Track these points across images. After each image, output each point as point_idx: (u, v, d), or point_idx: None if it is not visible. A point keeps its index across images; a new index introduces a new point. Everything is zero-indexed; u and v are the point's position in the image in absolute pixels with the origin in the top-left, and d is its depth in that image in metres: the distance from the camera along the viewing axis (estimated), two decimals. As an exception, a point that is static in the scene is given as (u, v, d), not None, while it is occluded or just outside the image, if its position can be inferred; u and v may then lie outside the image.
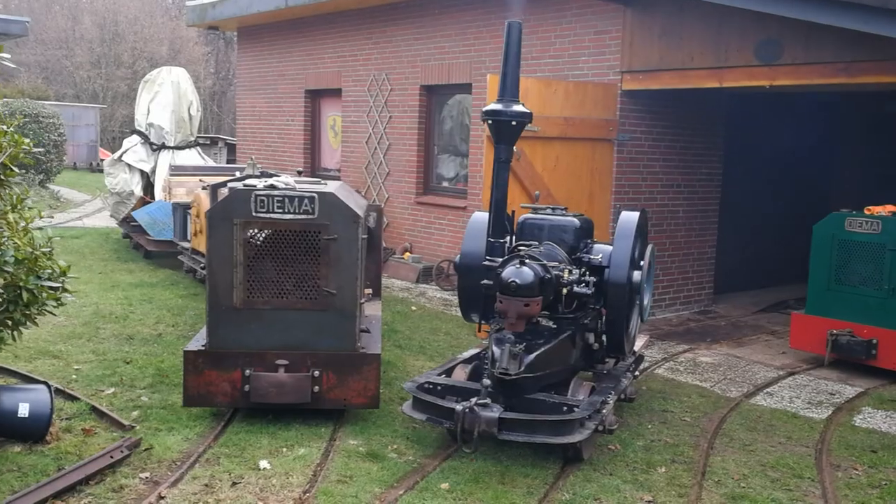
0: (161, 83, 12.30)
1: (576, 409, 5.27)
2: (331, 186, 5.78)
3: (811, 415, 6.76)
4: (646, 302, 6.17)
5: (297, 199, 5.42)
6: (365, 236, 5.67)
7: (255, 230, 5.53)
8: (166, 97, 12.22)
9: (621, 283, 5.79)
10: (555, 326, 5.70)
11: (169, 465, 5.01)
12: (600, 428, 5.36)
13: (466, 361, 6.12)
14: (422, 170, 12.37)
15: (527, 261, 5.31)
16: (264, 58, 15.79)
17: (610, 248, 5.96)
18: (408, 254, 12.25)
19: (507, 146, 5.63)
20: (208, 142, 18.38)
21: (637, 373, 6.74)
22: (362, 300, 5.64)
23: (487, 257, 5.65)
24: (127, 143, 12.34)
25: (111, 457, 4.82)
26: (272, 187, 5.44)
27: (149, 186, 12.29)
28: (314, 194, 5.44)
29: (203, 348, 5.58)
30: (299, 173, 6.16)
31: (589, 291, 5.56)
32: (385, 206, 12.77)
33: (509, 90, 5.55)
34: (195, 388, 5.56)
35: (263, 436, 5.49)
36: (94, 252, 12.31)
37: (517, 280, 5.21)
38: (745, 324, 10.23)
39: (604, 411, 5.43)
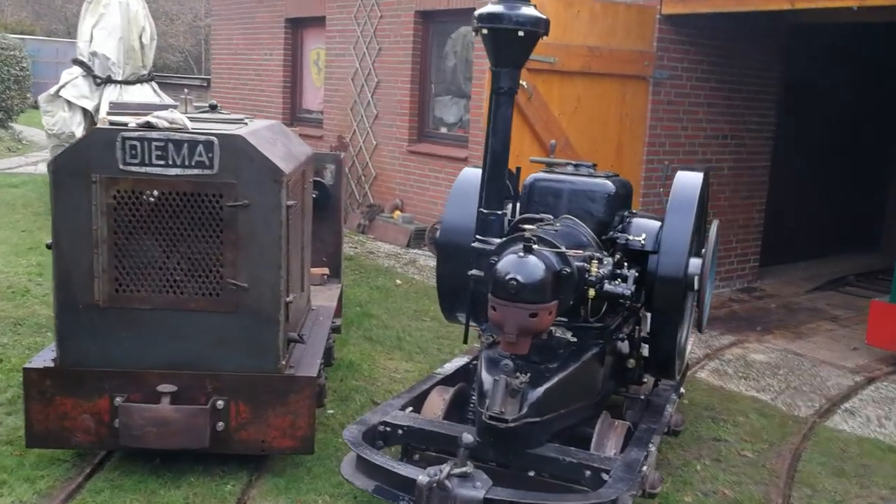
0: (107, 4, 10.26)
1: (605, 474, 3.45)
2: (248, 127, 3.90)
3: (914, 448, 5.00)
4: (706, 302, 4.31)
5: (186, 145, 3.54)
6: (293, 202, 3.78)
7: (126, 191, 3.65)
8: (112, 21, 10.19)
9: (675, 277, 3.92)
10: (575, 340, 3.86)
11: (-30, 557, 3.26)
12: (639, 494, 3.59)
13: (447, 380, 4.32)
14: (415, 112, 10.43)
15: (535, 246, 3.45)
16: (240, -19, 13.77)
17: (657, 224, 4.10)
18: (398, 212, 10.41)
19: (511, 69, 3.74)
20: (205, 84, 16.54)
21: (682, 390, 4.95)
22: (289, 298, 3.80)
23: (478, 236, 3.81)
24: (66, 75, 10.34)
25: None
26: (149, 126, 3.57)
27: (93, 127, 10.38)
28: (212, 138, 3.55)
29: (52, 365, 3.78)
30: (213, 107, 4.26)
31: (628, 291, 3.68)
32: (372, 156, 10.89)
33: (514, -15, 3.65)
34: (43, 422, 3.77)
35: (137, 497, 3.70)
36: (28, 205, 10.48)
37: (519, 277, 3.35)
38: (800, 306, 8.44)
39: (644, 469, 3.64)
